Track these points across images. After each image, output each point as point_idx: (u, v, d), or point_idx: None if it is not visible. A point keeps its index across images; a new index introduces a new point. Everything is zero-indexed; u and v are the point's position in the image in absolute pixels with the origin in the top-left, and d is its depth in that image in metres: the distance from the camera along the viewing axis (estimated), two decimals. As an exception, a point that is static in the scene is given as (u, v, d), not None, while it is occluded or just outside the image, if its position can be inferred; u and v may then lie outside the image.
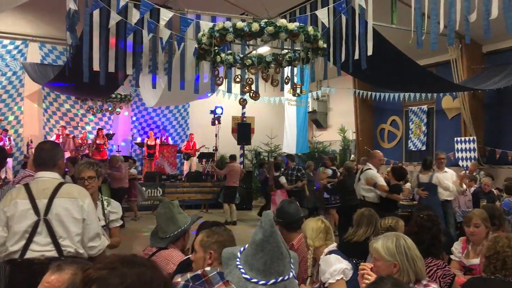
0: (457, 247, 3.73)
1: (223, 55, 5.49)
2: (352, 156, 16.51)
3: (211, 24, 5.57)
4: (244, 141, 13.31)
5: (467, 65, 12.29)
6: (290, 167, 10.48)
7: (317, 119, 18.37)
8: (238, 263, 1.50)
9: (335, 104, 18.15)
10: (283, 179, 9.94)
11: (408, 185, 10.39)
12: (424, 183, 7.39)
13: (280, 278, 1.40)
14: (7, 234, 2.62)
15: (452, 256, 3.70)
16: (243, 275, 1.41)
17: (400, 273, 2.30)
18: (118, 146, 15.31)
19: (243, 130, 13.26)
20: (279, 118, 15.81)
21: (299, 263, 3.14)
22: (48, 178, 2.76)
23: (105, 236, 2.85)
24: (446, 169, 7.71)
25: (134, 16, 5.92)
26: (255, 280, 1.39)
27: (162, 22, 5.99)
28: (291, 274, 1.46)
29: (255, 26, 4.62)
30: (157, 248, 2.85)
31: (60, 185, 2.73)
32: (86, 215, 2.70)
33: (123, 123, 15.91)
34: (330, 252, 2.90)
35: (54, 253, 2.59)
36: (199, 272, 2.09)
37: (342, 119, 17.34)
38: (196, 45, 5.26)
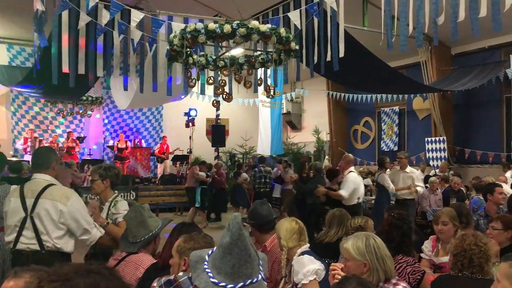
0: (427, 245, 3.79)
1: (195, 56, 5.45)
2: (327, 157, 16.66)
3: (183, 26, 5.52)
4: (219, 143, 13.27)
5: (437, 67, 12.58)
6: (261, 170, 10.54)
7: (291, 121, 18.48)
8: (206, 266, 1.48)
9: (309, 105, 18.30)
10: None
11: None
12: (376, 182, 7.73)
13: (249, 281, 1.39)
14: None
15: (422, 255, 3.76)
16: (211, 279, 1.39)
17: (370, 272, 2.33)
18: (90, 149, 15.03)
19: (217, 132, 13.21)
20: (254, 120, 15.85)
21: (272, 264, 3.15)
22: (39, 179, 3.10)
23: (97, 229, 3.11)
24: (409, 169, 7.87)
25: (104, 17, 5.81)
26: (223, 284, 1.37)
27: (133, 23, 5.89)
28: (259, 277, 1.44)
29: (227, 28, 4.60)
30: (127, 253, 2.80)
31: (46, 186, 3.03)
32: (63, 218, 2.98)
33: (94, 126, 15.63)
34: (303, 253, 2.90)
35: (36, 247, 2.94)
36: (171, 277, 2.07)
37: (316, 121, 17.49)
38: (168, 47, 5.20)
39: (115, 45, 6.00)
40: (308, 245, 3.01)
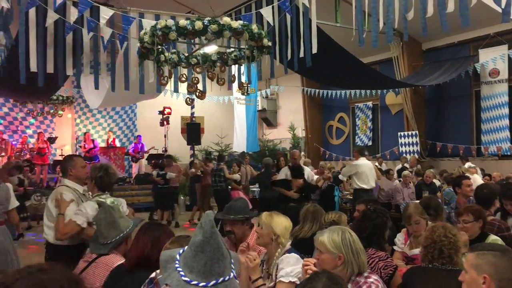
0: (399, 238, 3.85)
1: (167, 54, 5.38)
2: (302, 153, 16.75)
3: (154, 23, 5.44)
4: (194, 141, 13.17)
5: (408, 62, 12.79)
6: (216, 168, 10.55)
7: (267, 117, 18.52)
8: (177, 265, 1.46)
9: (284, 102, 18.36)
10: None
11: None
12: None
13: (221, 279, 1.38)
14: None
15: (395, 247, 3.81)
16: (183, 278, 1.37)
17: (344, 265, 2.36)
18: (62, 150, 14.72)
19: (192, 130, 13.11)
20: (229, 117, 15.82)
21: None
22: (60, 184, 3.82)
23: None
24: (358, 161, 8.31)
25: (73, 14, 5.69)
26: (195, 282, 1.36)
27: (103, 21, 5.78)
28: (231, 274, 1.43)
29: (199, 25, 4.55)
30: (97, 255, 2.74)
31: (57, 188, 3.73)
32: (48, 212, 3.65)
33: (66, 126, 15.32)
34: (288, 251, 2.86)
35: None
36: (152, 275, 2.06)
37: (292, 117, 17.57)
38: (139, 44, 5.12)
39: (84, 43, 5.89)
40: (290, 241, 3.00)
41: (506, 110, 11.24)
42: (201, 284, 1.35)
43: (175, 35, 4.64)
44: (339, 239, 2.39)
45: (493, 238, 3.40)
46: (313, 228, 3.76)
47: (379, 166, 11.45)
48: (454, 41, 12.24)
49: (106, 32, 5.97)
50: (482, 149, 11.78)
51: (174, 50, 5.63)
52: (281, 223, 2.92)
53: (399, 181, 9.27)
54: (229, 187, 10.22)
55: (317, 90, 15.29)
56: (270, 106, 18.51)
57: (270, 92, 17.54)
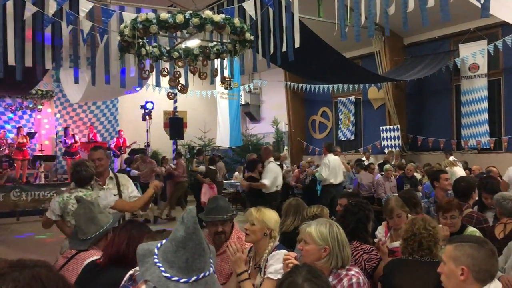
0: (380, 231, 3.90)
1: (148, 47, 5.32)
2: (286, 147, 16.80)
3: (134, 16, 5.37)
4: (177, 136, 13.08)
5: (390, 57, 12.89)
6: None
7: (250, 112, 18.49)
8: (156, 260, 1.44)
9: (268, 96, 18.35)
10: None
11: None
12: None
13: (202, 275, 1.37)
14: None
15: (376, 240, 3.85)
16: (163, 274, 1.36)
17: (329, 257, 2.38)
18: (41, 145, 14.47)
19: (175, 124, 13.02)
20: (212, 112, 15.74)
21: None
22: None
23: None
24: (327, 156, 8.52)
25: (51, 7, 5.58)
26: (176, 278, 1.34)
27: (82, 14, 5.69)
28: (211, 270, 1.43)
29: (180, 18, 4.51)
30: (77, 251, 2.70)
31: None
32: None
33: (46, 120, 15.06)
34: (278, 247, 2.84)
35: None
36: (132, 271, 2.03)
37: (275, 112, 17.58)
38: (119, 37, 5.05)
39: (63, 36, 5.78)
40: (278, 237, 2.99)
41: (485, 105, 11.43)
42: (182, 280, 1.34)
43: (156, 29, 4.59)
44: (326, 231, 2.42)
45: (471, 230, 3.46)
46: (295, 222, 3.76)
47: (366, 161, 11.58)
48: (435, 36, 12.37)
49: (86, 25, 5.88)
50: (462, 143, 11.96)
51: (155, 44, 5.58)
52: (272, 217, 2.89)
53: (381, 175, 9.38)
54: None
55: (300, 85, 15.31)
56: (253, 100, 18.49)
57: (253, 86, 17.50)
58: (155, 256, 1.45)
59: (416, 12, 4.54)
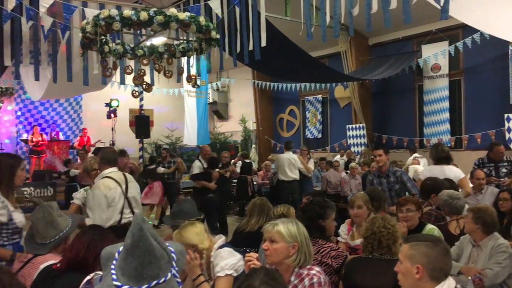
0: (343, 229, 3.96)
1: (111, 44, 5.21)
2: (254, 146, 16.82)
3: (97, 12, 5.24)
4: (143, 135, 12.86)
5: (356, 57, 13.09)
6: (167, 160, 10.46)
7: (218, 110, 18.42)
8: (112, 266, 1.40)
9: (236, 95, 18.33)
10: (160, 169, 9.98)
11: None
12: None
13: (154, 282, 1.33)
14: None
15: (339, 238, 3.91)
16: (114, 282, 1.32)
17: (297, 255, 2.42)
18: (1, 143, 13.98)
19: (141, 123, 12.79)
20: (180, 110, 15.60)
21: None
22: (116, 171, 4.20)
23: None
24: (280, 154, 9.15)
25: (10, 2, 5.40)
26: (126, 286, 1.31)
27: (42, 9, 5.52)
28: (169, 275, 1.39)
29: (144, 15, 4.43)
30: (33, 255, 2.62)
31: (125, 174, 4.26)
32: None
33: (6, 118, 14.55)
34: (221, 246, 2.85)
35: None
36: (90, 276, 1.99)
37: (243, 110, 17.58)
38: (81, 34, 4.91)
39: (23, 32, 5.61)
40: (223, 238, 2.97)
41: (446, 104, 11.77)
42: None
43: (119, 26, 4.48)
44: (295, 228, 2.46)
45: (430, 227, 3.57)
46: (260, 222, 3.76)
47: (338, 159, 11.73)
48: (398, 36, 12.64)
49: (47, 21, 5.71)
50: (424, 141, 12.28)
51: (119, 41, 5.47)
52: (190, 232, 2.81)
53: (347, 173, 9.52)
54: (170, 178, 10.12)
55: (268, 83, 15.36)
56: (221, 98, 18.43)
57: (221, 84, 17.45)
58: (114, 261, 1.41)
59: (380, 13, 4.62)
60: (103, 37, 4.90)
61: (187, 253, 2.68)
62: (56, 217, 2.72)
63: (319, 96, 15.40)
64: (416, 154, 10.70)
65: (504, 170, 6.10)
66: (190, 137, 14.29)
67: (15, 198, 3.40)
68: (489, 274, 2.97)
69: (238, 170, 10.85)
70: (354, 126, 13.66)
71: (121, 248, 1.46)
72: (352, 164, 9.42)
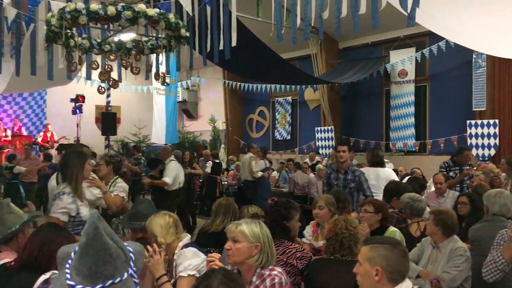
0: (308, 230, 3.99)
1: (77, 39, 5.08)
2: (223, 145, 16.77)
3: (63, 5, 5.10)
4: (110, 132, 12.62)
5: (326, 60, 13.24)
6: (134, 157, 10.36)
7: (187, 109, 18.29)
8: (68, 266, 1.36)
9: (206, 94, 18.23)
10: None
11: (275, 173, 10.92)
12: (267, 167, 9.48)
13: (109, 282, 1.30)
14: None
15: (304, 239, 3.94)
16: (67, 282, 1.28)
17: (259, 255, 2.41)
18: (-40, 138, 13.46)
19: (108, 120, 12.55)
20: (148, 108, 15.39)
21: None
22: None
23: None
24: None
25: (-29, -9, 5.20)
26: (80, 286, 1.27)
27: (6, 0, 5.33)
28: (125, 275, 1.36)
29: (111, 10, 4.33)
30: (-12, 252, 2.51)
31: None
32: None
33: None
34: (186, 246, 2.82)
35: None
36: (47, 275, 1.92)
37: (213, 109, 17.50)
38: (45, 27, 4.77)
39: (-15, 23, 5.41)
40: (189, 236, 2.94)
41: (412, 109, 12.05)
42: None
43: (85, 20, 4.37)
44: (258, 229, 2.46)
45: (392, 229, 3.64)
46: (225, 222, 3.73)
47: (306, 161, 11.82)
48: (368, 41, 12.85)
49: (11, 12, 5.52)
50: (390, 145, 12.54)
51: (85, 35, 5.34)
52: (156, 222, 2.83)
53: (314, 174, 9.60)
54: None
55: (239, 83, 15.34)
56: (191, 97, 18.29)
57: (191, 83, 17.31)
58: (70, 260, 1.38)
59: (349, 18, 4.68)
60: (68, 31, 4.78)
61: (150, 246, 2.65)
62: (4, 214, 2.62)
63: (289, 98, 15.50)
64: None
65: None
66: (158, 136, 14.13)
67: (81, 192, 3.58)
68: (447, 278, 3.05)
69: (208, 170, 10.77)
70: (322, 128, 13.80)
71: (77, 248, 1.42)
72: (319, 166, 9.52)
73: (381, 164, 5.96)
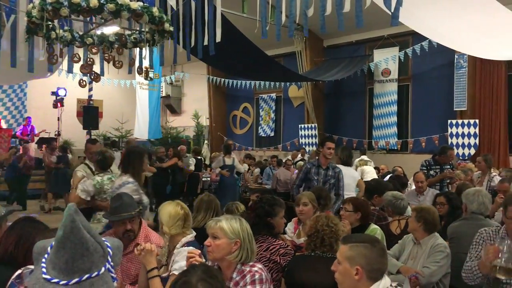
0: (289, 227, 4.01)
1: (59, 31, 4.99)
2: (206, 141, 16.71)
3: (45, -4, 5.00)
4: (91, 126, 12.45)
5: (310, 57, 13.28)
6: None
7: (171, 104, 18.17)
8: (44, 260, 1.34)
9: (190, 89, 18.13)
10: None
11: (257, 170, 10.92)
12: (228, 165, 9.15)
13: (86, 276, 1.28)
14: None
15: (286, 236, 3.95)
16: (43, 275, 1.26)
17: (239, 251, 2.40)
18: None
19: (89, 114, 12.38)
20: (131, 102, 15.25)
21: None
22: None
23: None
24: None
25: (-51, -21, 5.07)
26: (56, 280, 1.25)
27: (-15, -10, 5.21)
28: (102, 270, 1.34)
29: (94, 2, 4.25)
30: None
31: None
32: None
33: None
34: (188, 244, 2.79)
35: None
36: (20, 270, 1.89)
37: (196, 105, 17.41)
38: (26, 18, 4.67)
39: (-36, 13, 5.29)
40: (194, 234, 2.91)
41: (394, 108, 12.18)
42: (61, 283, 1.25)
43: (67, 12, 4.28)
44: (237, 225, 2.44)
45: (373, 227, 3.69)
46: (207, 218, 3.72)
47: (288, 158, 11.83)
48: (352, 40, 12.93)
49: (-10, 3, 5.41)
50: (373, 143, 12.65)
51: (67, 28, 5.25)
52: (166, 210, 2.84)
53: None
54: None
55: (223, 79, 15.30)
56: (175, 93, 18.17)
57: (175, 78, 17.19)
58: (46, 255, 1.36)
59: (334, 16, 4.69)
60: (50, 23, 4.69)
61: (141, 244, 2.63)
62: None
63: (273, 95, 15.51)
64: (364, 156, 11.00)
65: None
66: (141, 131, 14.02)
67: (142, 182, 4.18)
68: (426, 273, 3.09)
69: (192, 167, 10.72)
70: (306, 125, 13.85)
71: (53, 242, 1.40)
72: (300, 162, 9.55)
73: (350, 164, 6.07)
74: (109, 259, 1.41)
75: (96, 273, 1.31)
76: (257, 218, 3.16)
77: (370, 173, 8.12)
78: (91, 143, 5.71)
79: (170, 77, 16.92)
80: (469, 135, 10.62)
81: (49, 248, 1.39)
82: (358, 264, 1.99)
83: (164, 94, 17.09)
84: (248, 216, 3.43)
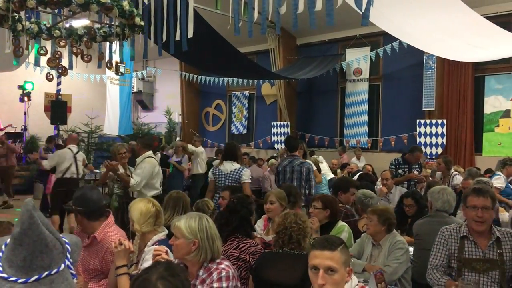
0: (259, 224, 4.02)
1: (25, 23, 4.85)
2: (178, 138, 16.55)
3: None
4: (59, 121, 12.15)
5: (284, 55, 13.32)
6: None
7: (142, 100, 17.93)
8: None
9: (162, 85, 17.93)
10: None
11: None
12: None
13: (46, 273, 1.25)
14: None
15: (255, 233, 3.96)
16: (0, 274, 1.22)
17: (198, 251, 2.37)
18: None
19: (57, 108, 12.06)
20: (101, 97, 14.97)
21: (103, 254, 2.92)
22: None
23: None
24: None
25: None
26: (13, 278, 1.21)
27: None
28: (62, 266, 1.31)
29: (62, -6, 4.17)
30: None
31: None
32: None
33: None
34: (159, 242, 2.76)
35: None
36: None
37: (169, 101, 17.24)
38: (-10, 9, 4.52)
39: None
40: (166, 232, 2.87)
41: (365, 107, 12.37)
42: (20, 281, 1.21)
43: (33, 3, 4.18)
44: (195, 224, 2.40)
45: (340, 224, 3.74)
46: (175, 215, 3.69)
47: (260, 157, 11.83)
48: (325, 39, 13.04)
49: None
50: (344, 142, 12.81)
51: (34, 20, 5.11)
52: (137, 207, 2.80)
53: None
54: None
55: (196, 76, 15.18)
56: (147, 88, 17.93)
57: (147, 74, 16.96)
58: (1, 253, 1.31)
59: (306, 14, 4.71)
60: (16, 14, 4.56)
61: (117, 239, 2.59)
62: None
63: (246, 92, 15.50)
64: (315, 156, 11.09)
65: (415, 172, 6.60)
66: (111, 126, 13.79)
67: None
68: (388, 271, 3.15)
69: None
70: (279, 123, 13.90)
71: (8, 240, 1.36)
72: (272, 160, 9.57)
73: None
74: (68, 256, 1.38)
75: (55, 270, 1.27)
76: (242, 220, 3.20)
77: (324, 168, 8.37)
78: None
79: (142, 73, 16.68)
80: (436, 135, 10.88)
81: (3, 246, 1.35)
82: (348, 265, 2.00)
83: (135, 90, 16.85)
84: (221, 215, 3.43)
